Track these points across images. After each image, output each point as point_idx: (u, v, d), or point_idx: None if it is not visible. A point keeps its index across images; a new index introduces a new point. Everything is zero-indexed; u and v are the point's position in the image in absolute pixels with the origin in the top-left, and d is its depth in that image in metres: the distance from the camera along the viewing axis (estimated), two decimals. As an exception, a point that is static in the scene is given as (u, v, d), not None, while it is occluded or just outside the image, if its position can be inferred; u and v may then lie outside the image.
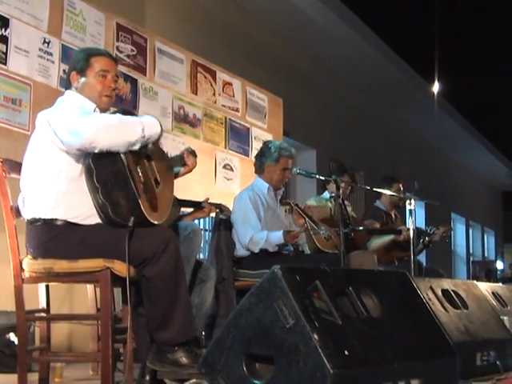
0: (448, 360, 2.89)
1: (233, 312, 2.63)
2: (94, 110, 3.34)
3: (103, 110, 3.40)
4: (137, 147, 3.17)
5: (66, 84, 3.45)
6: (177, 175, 3.67)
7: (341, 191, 4.59)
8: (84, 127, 3.05)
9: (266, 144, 5.27)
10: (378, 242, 6.06)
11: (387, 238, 6.04)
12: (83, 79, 3.37)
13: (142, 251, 3.14)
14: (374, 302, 2.73)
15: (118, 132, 3.11)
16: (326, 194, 6.01)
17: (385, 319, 2.72)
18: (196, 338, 3.35)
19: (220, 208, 4.65)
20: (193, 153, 3.68)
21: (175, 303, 3.19)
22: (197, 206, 4.47)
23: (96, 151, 3.08)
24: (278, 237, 4.80)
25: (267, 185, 5.12)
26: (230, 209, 4.90)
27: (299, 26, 8.92)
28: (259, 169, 5.17)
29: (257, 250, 4.85)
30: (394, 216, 6.59)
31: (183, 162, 3.63)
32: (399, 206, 6.60)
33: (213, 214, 4.93)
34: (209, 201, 4.50)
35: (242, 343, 2.51)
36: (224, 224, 4.98)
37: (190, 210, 4.55)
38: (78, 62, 3.40)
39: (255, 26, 8.61)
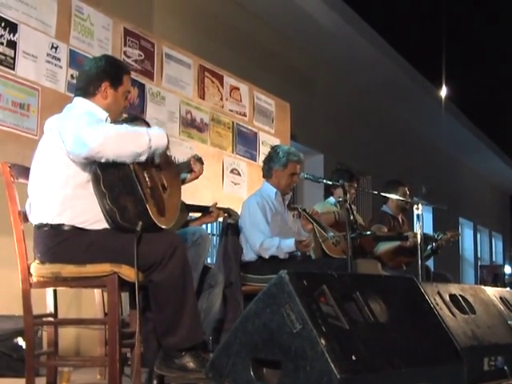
0: (455, 365, 2.88)
1: (240, 317, 2.63)
2: (106, 119, 3.35)
3: (114, 122, 3.41)
4: (143, 158, 3.16)
5: (82, 89, 3.41)
6: (183, 181, 3.68)
7: (348, 196, 4.58)
8: (91, 137, 3.05)
9: (274, 149, 5.26)
10: (385, 246, 6.06)
11: (394, 244, 6.04)
12: (113, 93, 3.40)
13: (149, 256, 3.14)
14: (381, 307, 2.73)
15: (124, 143, 3.11)
16: (331, 199, 6.02)
17: (392, 324, 2.72)
18: (203, 343, 3.35)
19: (228, 213, 4.65)
20: (199, 160, 3.69)
21: (182, 308, 3.20)
22: (205, 210, 4.48)
23: (103, 161, 3.08)
24: (289, 245, 4.79)
25: (275, 190, 5.11)
26: (238, 213, 4.91)
27: (307, 31, 8.93)
28: (267, 173, 5.17)
29: (267, 256, 4.84)
30: (401, 220, 6.59)
31: (190, 168, 3.64)
32: (406, 210, 6.59)
33: (220, 219, 4.95)
34: (217, 205, 4.51)
35: (249, 348, 2.52)
36: (232, 229, 4.98)
37: (197, 214, 4.55)
38: (111, 74, 3.40)
39: (262, 31, 8.62)
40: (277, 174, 5.10)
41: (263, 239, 4.83)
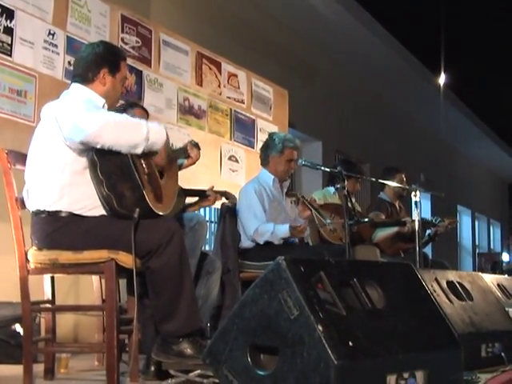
0: (453, 351, 2.88)
1: (237, 303, 2.63)
2: (103, 106, 3.34)
3: (111, 108, 3.41)
4: (139, 150, 3.14)
5: (80, 75, 3.39)
6: (180, 167, 3.67)
7: (346, 183, 4.56)
8: (89, 122, 3.05)
9: (270, 136, 5.27)
10: (383, 233, 6.06)
11: (392, 230, 6.04)
12: (111, 80, 3.39)
13: (146, 243, 3.14)
14: (378, 294, 2.73)
15: (122, 131, 3.11)
16: (331, 188, 6.01)
17: (389, 311, 2.72)
18: (201, 329, 3.35)
19: (225, 195, 4.66)
20: (196, 145, 3.69)
21: (180, 295, 3.20)
22: (202, 194, 4.47)
23: (98, 147, 3.07)
24: (284, 230, 4.80)
25: (272, 176, 5.11)
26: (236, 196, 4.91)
27: (305, 17, 8.90)
28: (264, 161, 5.18)
29: (262, 242, 4.85)
30: (398, 207, 6.59)
31: (187, 154, 3.64)
32: (403, 197, 6.60)
33: (218, 205, 4.95)
34: (214, 189, 4.51)
35: (247, 334, 2.52)
36: (229, 212, 4.98)
37: (195, 199, 4.55)
38: (110, 61, 3.39)
39: (260, 18, 8.59)
40: (274, 161, 5.10)
41: (258, 225, 4.84)
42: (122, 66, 3.45)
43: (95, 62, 3.38)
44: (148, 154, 3.25)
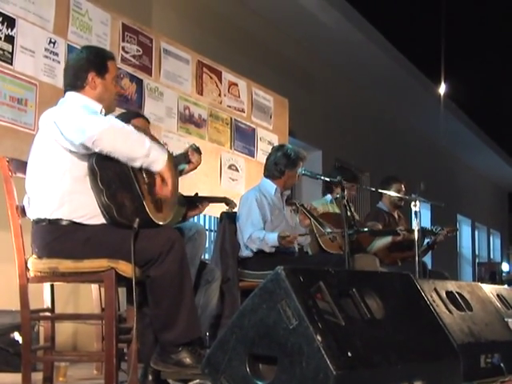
0: (452, 362, 2.88)
1: (236, 313, 2.63)
2: (101, 112, 3.34)
3: (109, 113, 3.41)
4: (137, 164, 3.12)
5: (70, 84, 3.38)
6: (181, 173, 3.67)
7: (345, 192, 4.57)
8: (92, 125, 3.05)
9: (283, 150, 5.14)
10: (379, 244, 6.04)
11: (386, 240, 6.01)
12: (101, 82, 3.37)
13: (147, 252, 3.14)
14: (377, 304, 2.73)
15: (124, 140, 3.09)
16: (328, 197, 6.01)
17: (388, 321, 2.72)
18: (200, 339, 3.35)
19: (225, 201, 4.64)
20: (197, 150, 3.67)
21: (180, 304, 3.19)
22: (196, 200, 4.45)
23: (96, 150, 3.07)
24: (272, 239, 4.78)
25: (275, 186, 5.10)
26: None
27: (305, 27, 8.92)
28: (278, 174, 5.08)
29: (254, 249, 4.85)
30: (397, 216, 6.58)
31: (188, 159, 3.63)
32: (400, 207, 6.59)
33: (217, 214, 4.93)
34: (212, 195, 4.49)
35: (245, 344, 2.52)
36: (229, 219, 4.97)
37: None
38: (95, 63, 3.36)
39: (261, 27, 8.60)
40: (288, 175, 5.07)
41: (252, 232, 4.84)
42: (109, 66, 3.40)
43: (81, 68, 3.36)
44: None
